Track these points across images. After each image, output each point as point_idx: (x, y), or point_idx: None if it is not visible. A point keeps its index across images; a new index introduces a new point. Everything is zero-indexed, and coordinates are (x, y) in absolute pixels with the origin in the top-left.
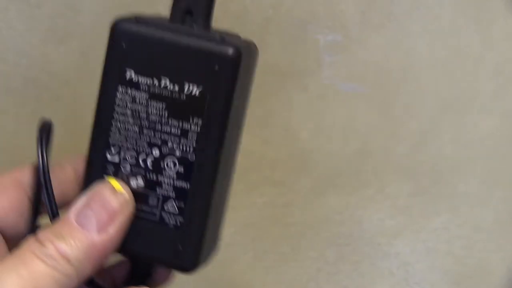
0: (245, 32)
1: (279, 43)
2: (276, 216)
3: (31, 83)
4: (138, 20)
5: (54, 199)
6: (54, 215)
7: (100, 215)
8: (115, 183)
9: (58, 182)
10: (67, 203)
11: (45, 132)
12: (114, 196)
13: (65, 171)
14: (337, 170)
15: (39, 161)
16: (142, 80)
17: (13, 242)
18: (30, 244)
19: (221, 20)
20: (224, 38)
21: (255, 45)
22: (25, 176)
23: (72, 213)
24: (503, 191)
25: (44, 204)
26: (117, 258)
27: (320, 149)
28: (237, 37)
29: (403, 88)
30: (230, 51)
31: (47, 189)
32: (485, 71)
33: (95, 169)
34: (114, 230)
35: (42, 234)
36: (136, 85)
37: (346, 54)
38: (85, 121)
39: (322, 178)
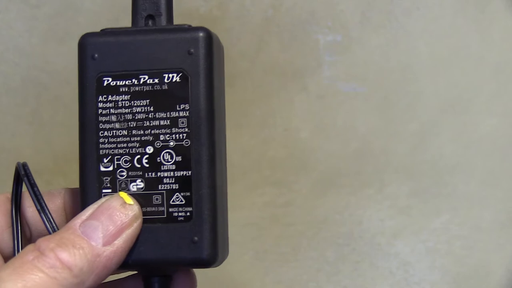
0: (245, 32)
1: (279, 43)
2: (276, 216)
3: (31, 83)
4: (103, 31)
5: (51, 215)
6: (53, 229)
7: (107, 227)
8: (124, 195)
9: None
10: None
11: (22, 168)
12: (124, 209)
13: (54, 200)
14: (337, 170)
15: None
16: (121, 83)
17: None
18: (28, 253)
19: (221, 20)
20: (191, 25)
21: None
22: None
23: (77, 222)
24: (503, 191)
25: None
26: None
27: (320, 149)
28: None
29: (403, 88)
30: (201, 32)
31: (42, 206)
32: (485, 71)
33: (90, 184)
34: (120, 243)
35: (42, 242)
36: (115, 90)
37: (346, 54)
38: None
39: (322, 178)
